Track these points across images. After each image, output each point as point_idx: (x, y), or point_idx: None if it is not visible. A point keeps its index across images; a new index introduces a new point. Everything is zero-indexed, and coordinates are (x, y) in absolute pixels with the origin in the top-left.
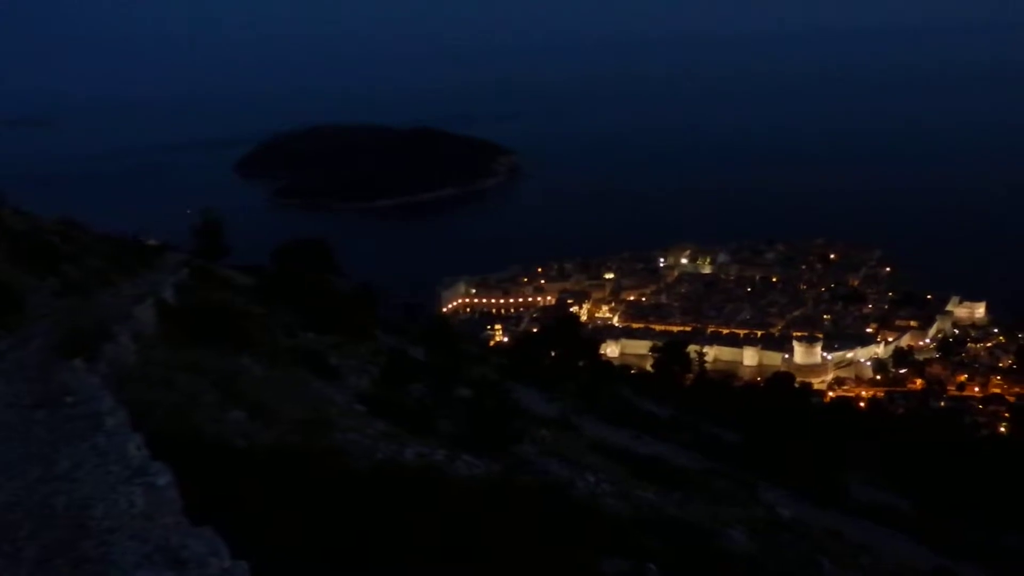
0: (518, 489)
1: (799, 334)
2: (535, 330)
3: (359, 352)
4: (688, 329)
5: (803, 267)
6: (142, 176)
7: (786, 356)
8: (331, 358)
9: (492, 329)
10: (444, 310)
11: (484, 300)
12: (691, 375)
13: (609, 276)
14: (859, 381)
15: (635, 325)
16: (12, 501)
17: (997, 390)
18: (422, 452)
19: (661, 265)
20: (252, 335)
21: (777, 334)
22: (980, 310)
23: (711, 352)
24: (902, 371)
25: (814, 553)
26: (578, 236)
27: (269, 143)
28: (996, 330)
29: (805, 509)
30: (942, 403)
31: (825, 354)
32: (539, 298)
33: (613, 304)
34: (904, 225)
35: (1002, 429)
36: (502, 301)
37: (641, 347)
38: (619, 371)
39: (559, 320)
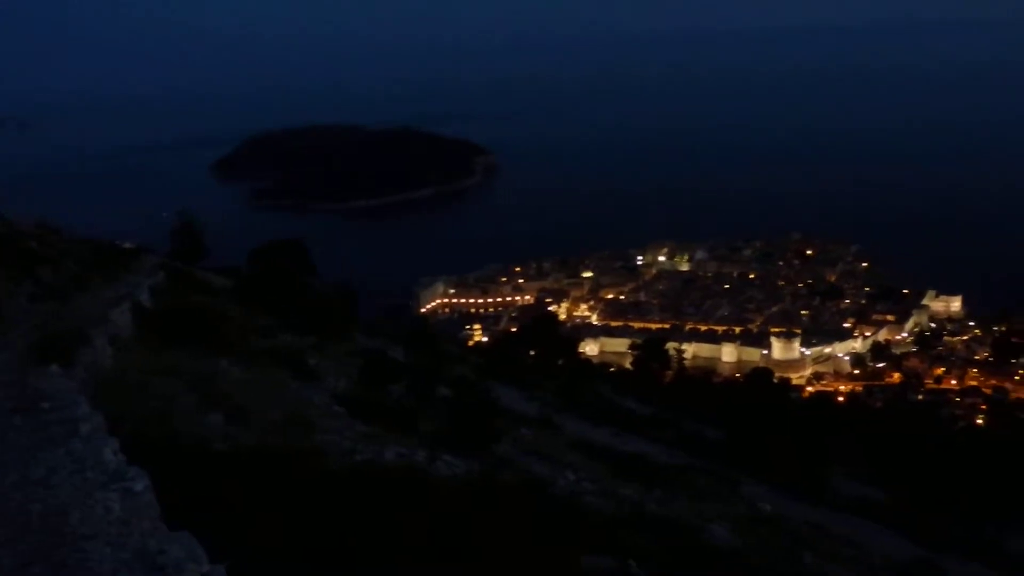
0: (499, 489)
1: (777, 330)
2: (514, 329)
3: (338, 353)
4: (667, 326)
5: (780, 263)
6: (118, 178)
7: (765, 352)
8: (310, 359)
9: (471, 329)
10: (423, 310)
11: (463, 300)
12: (670, 372)
13: (587, 274)
14: (837, 376)
15: (614, 323)
16: None
17: (974, 382)
18: (402, 453)
19: (639, 263)
20: (230, 337)
21: (755, 330)
22: (956, 304)
23: (690, 349)
24: (880, 365)
25: (796, 547)
26: (556, 235)
27: (246, 144)
28: (972, 323)
29: (787, 504)
30: (920, 396)
31: (803, 349)
32: (518, 297)
33: (592, 302)
34: (880, 220)
35: (979, 421)
36: (481, 301)
37: (620, 345)
38: (598, 369)
39: (538, 319)
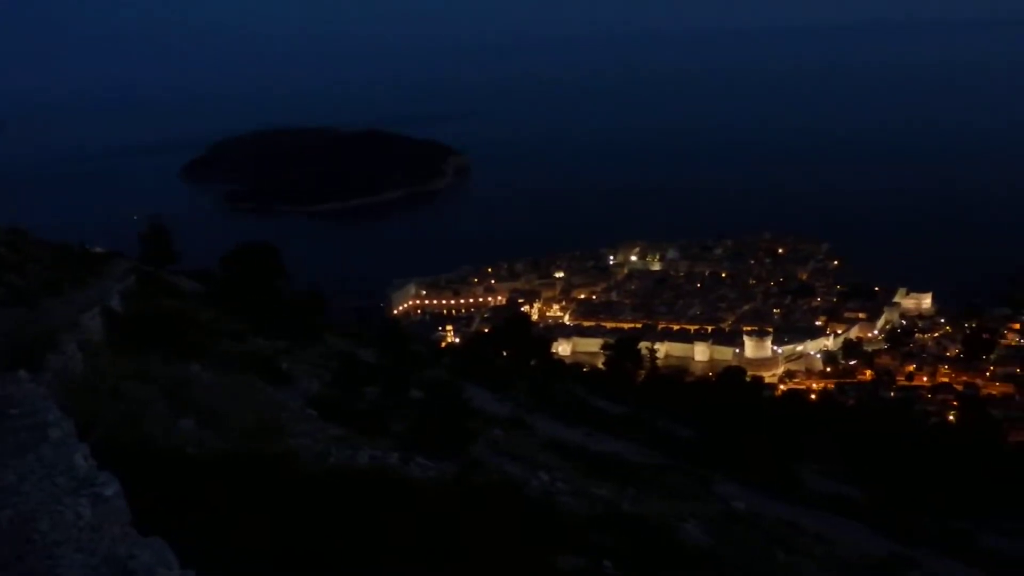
0: (474, 490)
1: (749, 328)
2: (486, 330)
3: (310, 356)
4: (639, 326)
5: (752, 262)
6: (89, 181)
7: (737, 350)
8: (282, 363)
9: (443, 330)
10: (395, 312)
11: (435, 301)
12: (643, 372)
13: (559, 275)
14: (810, 373)
15: (586, 323)
16: None
17: (945, 379)
18: (375, 455)
19: (611, 263)
20: (201, 342)
21: (727, 329)
22: (927, 301)
23: (662, 348)
24: (852, 363)
25: (769, 544)
26: (528, 236)
27: (216, 147)
28: (943, 320)
29: (760, 501)
30: (892, 393)
31: (775, 347)
32: (490, 298)
33: (564, 303)
34: (851, 218)
35: (951, 417)
36: (453, 302)
37: (592, 345)
38: (571, 369)
39: (510, 320)
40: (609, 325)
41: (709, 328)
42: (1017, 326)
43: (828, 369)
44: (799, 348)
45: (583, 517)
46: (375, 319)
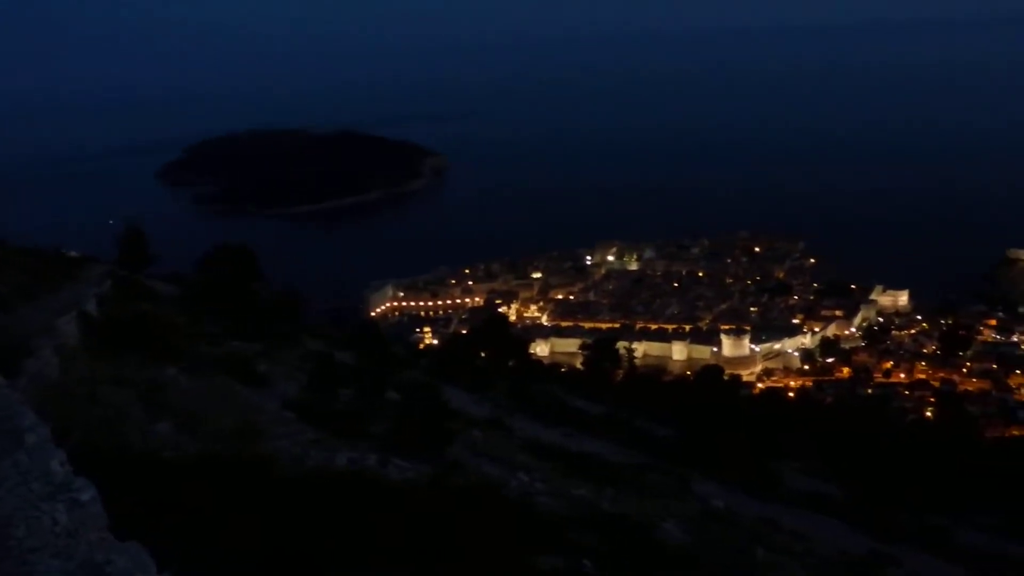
0: (452, 491)
1: (727, 327)
2: (464, 331)
3: (287, 359)
4: (617, 326)
5: (728, 261)
6: (64, 184)
7: (715, 349)
8: (259, 366)
9: (421, 332)
10: (372, 314)
11: (412, 303)
12: (621, 372)
13: (537, 275)
14: (787, 371)
15: (564, 323)
16: None
17: (922, 375)
18: (353, 457)
19: (588, 263)
20: (178, 345)
21: (705, 328)
22: (903, 298)
23: (640, 348)
24: (829, 360)
25: (749, 543)
26: (505, 236)
27: (191, 149)
28: (919, 317)
29: (739, 500)
30: (869, 390)
31: (753, 346)
32: (467, 299)
33: (541, 303)
34: (827, 216)
35: (928, 414)
36: (430, 303)
37: (571, 345)
38: (549, 370)
39: (488, 320)
40: (587, 325)
41: (687, 327)
42: (993, 322)
43: (806, 367)
44: (777, 346)
45: (562, 517)
46: (352, 321)
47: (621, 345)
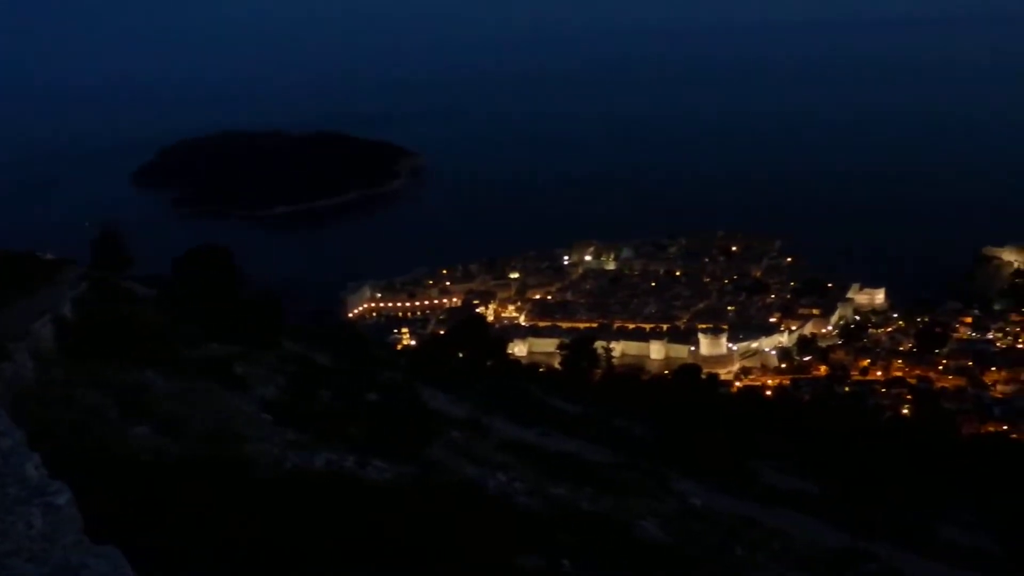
0: (431, 491)
1: (704, 326)
2: (442, 332)
3: (265, 361)
4: (595, 325)
5: (706, 260)
6: (36, 187)
7: (692, 348)
8: (237, 368)
9: (399, 332)
10: (350, 315)
11: (390, 304)
12: (599, 371)
13: (514, 275)
14: (765, 370)
15: (542, 323)
16: None
17: (899, 373)
18: (331, 459)
19: (565, 263)
20: (155, 348)
21: (683, 327)
22: (880, 296)
23: (618, 347)
24: (806, 358)
25: (727, 540)
26: (482, 236)
27: (166, 151)
28: (896, 315)
29: (717, 498)
30: (846, 388)
31: (731, 345)
32: (445, 300)
33: (519, 303)
34: (803, 215)
35: (905, 411)
36: (408, 304)
37: (548, 345)
38: (527, 370)
39: (466, 321)
40: (565, 325)
41: (664, 326)
42: (969, 320)
43: (783, 365)
44: (754, 345)
45: (541, 517)
46: (330, 322)
47: (599, 345)
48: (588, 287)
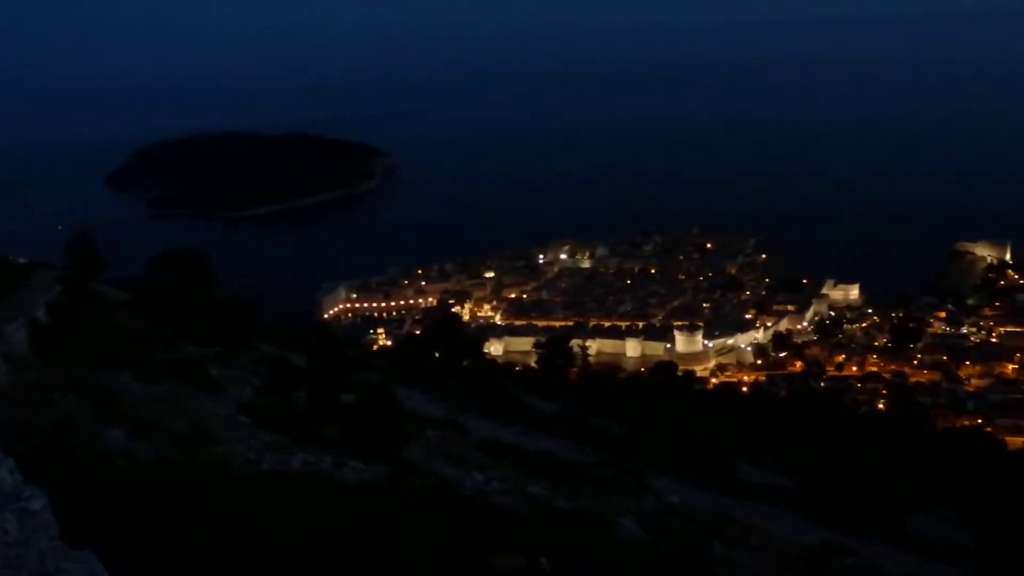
0: (408, 491)
1: (680, 323)
2: (418, 332)
3: (240, 363)
4: (570, 324)
5: (681, 257)
6: (5, 191)
7: (668, 346)
8: (212, 370)
9: (375, 333)
10: (325, 316)
11: (365, 304)
12: (575, 369)
13: (489, 275)
14: (741, 366)
15: (518, 322)
16: None
17: (874, 368)
18: (308, 460)
19: (541, 261)
20: (130, 351)
21: (658, 324)
22: (854, 292)
23: (594, 345)
24: (782, 354)
25: (705, 536)
26: (457, 236)
27: (140, 154)
28: (870, 310)
29: (695, 494)
30: (822, 383)
31: (706, 342)
32: (420, 299)
33: (495, 302)
34: (777, 212)
35: (880, 406)
36: (383, 304)
37: (524, 344)
38: (504, 369)
39: (441, 321)
40: (540, 324)
41: (640, 324)
42: (943, 315)
43: (759, 362)
44: (729, 342)
45: (519, 516)
46: (305, 323)
47: (575, 343)
48: (563, 286)
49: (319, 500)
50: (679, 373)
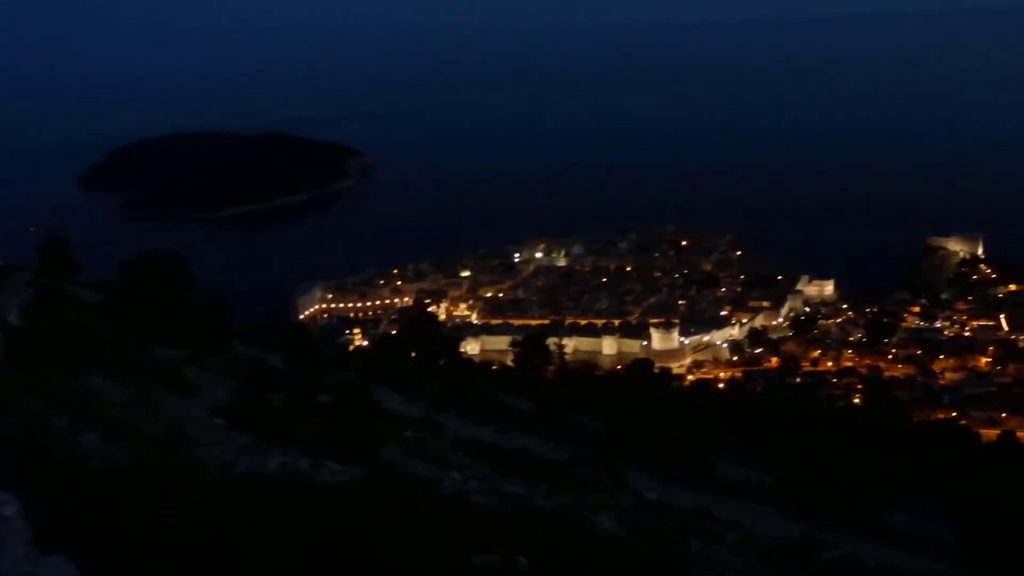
0: (385, 491)
1: (656, 321)
2: (394, 332)
3: (216, 364)
4: (547, 322)
5: (656, 255)
6: None
7: (644, 343)
8: (187, 372)
9: (351, 333)
10: (301, 317)
11: (341, 304)
12: (552, 367)
13: (465, 274)
14: (717, 363)
15: (494, 321)
16: None
17: (849, 363)
18: (285, 462)
19: (516, 260)
20: (104, 354)
21: (634, 322)
22: (829, 287)
23: (570, 343)
24: (758, 351)
25: (683, 533)
26: (433, 235)
27: (113, 154)
28: (845, 306)
29: (672, 491)
30: (798, 379)
31: (682, 339)
32: (396, 299)
33: (471, 301)
34: (751, 208)
35: (856, 400)
36: (359, 304)
37: (501, 343)
38: (480, 368)
39: (417, 320)
40: (517, 322)
41: (616, 322)
42: (916, 309)
43: (735, 358)
44: (706, 338)
45: (497, 515)
46: (281, 324)
47: (551, 341)
48: (539, 284)
49: (296, 501)
50: (655, 370)
